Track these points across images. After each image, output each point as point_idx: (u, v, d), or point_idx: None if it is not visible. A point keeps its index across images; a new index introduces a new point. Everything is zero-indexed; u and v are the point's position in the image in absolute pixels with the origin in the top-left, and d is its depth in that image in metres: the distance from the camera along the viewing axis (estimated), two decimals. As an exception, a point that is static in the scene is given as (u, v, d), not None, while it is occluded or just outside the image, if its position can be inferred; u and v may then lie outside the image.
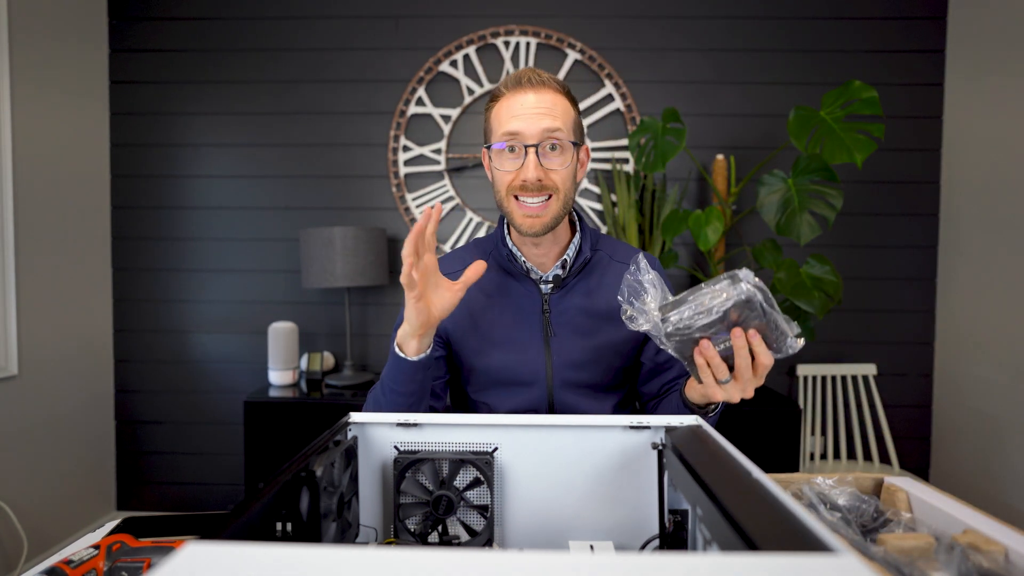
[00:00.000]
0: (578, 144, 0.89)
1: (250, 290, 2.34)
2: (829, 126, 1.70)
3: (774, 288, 1.78)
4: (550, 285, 0.94)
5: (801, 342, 0.65)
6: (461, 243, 2.29)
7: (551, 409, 0.93)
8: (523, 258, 0.93)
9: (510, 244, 0.94)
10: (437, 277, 0.79)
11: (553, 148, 0.86)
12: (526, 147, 0.85)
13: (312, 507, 0.48)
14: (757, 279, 0.63)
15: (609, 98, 2.27)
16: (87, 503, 2.22)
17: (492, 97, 0.91)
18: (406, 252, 0.71)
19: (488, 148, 0.91)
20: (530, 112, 0.85)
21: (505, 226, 0.97)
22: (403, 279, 0.72)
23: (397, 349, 0.81)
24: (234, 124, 2.32)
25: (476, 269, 0.80)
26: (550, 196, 0.87)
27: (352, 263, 1.98)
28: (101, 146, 2.29)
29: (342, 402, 1.93)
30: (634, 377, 1.01)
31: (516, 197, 0.87)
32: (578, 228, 0.96)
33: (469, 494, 0.61)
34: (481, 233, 2.29)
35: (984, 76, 2.06)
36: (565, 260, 0.93)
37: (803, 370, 2.22)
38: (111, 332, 2.35)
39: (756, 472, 0.44)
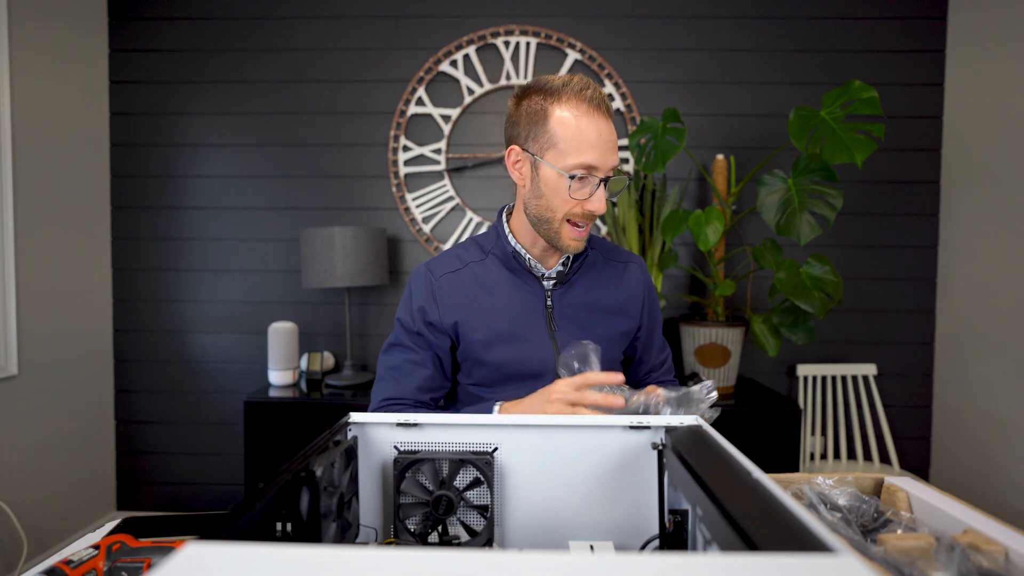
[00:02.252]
0: None
1: (250, 290, 2.34)
2: (829, 126, 1.70)
3: (774, 288, 1.78)
4: (552, 281, 0.98)
5: (710, 396, 0.78)
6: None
7: None
8: (528, 256, 0.97)
9: (514, 243, 0.97)
10: None
11: (607, 180, 0.88)
12: (599, 180, 0.86)
13: (312, 507, 0.48)
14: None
15: (609, 98, 2.27)
16: (87, 503, 2.22)
17: (550, 96, 0.86)
18: (597, 401, 0.76)
19: (534, 156, 0.88)
20: (606, 145, 0.86)
21: (505, 223, 1.00)
22: (571, 404, 0.77)
23: (497, 407, 0.87)
24: (234, 124, 2.32)
25: (612, 378, 0.79)
26: (590, 223, 0.92)
27: (352, 263, 1.98)
28: (101, 146, 2.29)
29: (342, 402, 1.93)
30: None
31: (569, 221, 0.89)
32: None
33: (469, 494, 0.61)
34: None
35: (984, 76, 2.06)
36: (568, 258, 0.98)
37: (803, 370, 2.22)
38: (111, 332, 2.35)
39: (756, 472, 0.44)
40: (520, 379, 0.95)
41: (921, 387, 2.29)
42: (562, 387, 0.79)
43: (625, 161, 2.27)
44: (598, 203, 0.87)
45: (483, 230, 2.28)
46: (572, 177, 0.85)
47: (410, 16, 2.28)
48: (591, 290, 0.99)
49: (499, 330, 0.95)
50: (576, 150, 0.85)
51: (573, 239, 0.90)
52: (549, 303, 0.97)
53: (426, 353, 0.97)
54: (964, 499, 0.68)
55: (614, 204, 2.21)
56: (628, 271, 1.04)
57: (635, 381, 1.10)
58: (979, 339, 2.07)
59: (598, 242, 1.06)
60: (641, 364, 1.09)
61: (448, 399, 1.07)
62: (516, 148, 0.91)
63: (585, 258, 1.00)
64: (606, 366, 0.99)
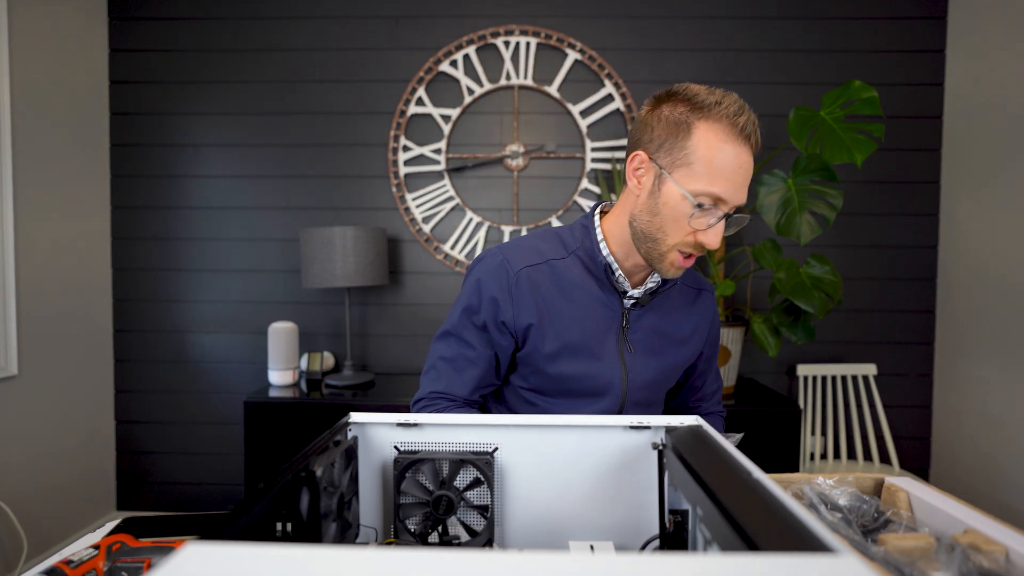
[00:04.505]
0: None
1: (250, 290, 2.34)
2: (829, 126, 1.70)
3: (774, 288, 1.78)
4: (633, 301, 0.90)
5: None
6: (461, 243, 2.29)
7: None
8: (620, 272, 0.89)
9: (606, 252, 0.89)
10: None
11: (728, 216, 0.81)
12: (724, 215, 0.79)
13: (312, 507, 0.48)
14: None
15: (609, 98, 2.27)
16: (87, 503, 2.22)
17: (699, 111, 0.78)
18: None
19: (662, 170, 0.80)
20: (742, 180, 0.79)
21: (598, 227, 0.91)
22: None
23: None
24: (234, 124, 2.32)
25: None
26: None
27: (352, 263, 1.98)
28: (101, 146, 2.29)
29: (342, 402, 1.93)
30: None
31: (679, 249, 0.82)
32: None
33: (469, 494, 0.61)
34: (481, 233, 2.29)
35: (984, 76, 2.06)
36: (657, 282, 0.91)
37: (803, 370, 2.22)
38: (111, 332, 2.35)
39: (756, 472, 0.44)
40: (581, 395, 0.90)
41: (921, 387, 2.29)
42: None
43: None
44: (715, 238, 0.79)
45: (483, 231, 2.29)
46: (699, 205, 0.77)
47: (410, 16, 2.28)
48: (665, 316, 0.93)
49: (571, 342, 0.88)
50: (710, 176, 0.77)
51: (677, 267, 0.83)
52: (625, 323, 0.90)
53: (485, 351, 0.90)
54: (964, 499, 0.68)
55: (611, 193, 2.21)
56: (700, 299, 0.99)
57: (685, 406, 1.06)
58: (979, 339, 2.07)
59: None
60: (692, 391, 1.05)
61: (494, 396, 1.01)
62: (643, 155, 0.82)
63: (673, 284, 0.93)
64: (662, 393, 0.97)
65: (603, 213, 0.93)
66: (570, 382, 0.89)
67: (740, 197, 0.79)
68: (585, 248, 0.90)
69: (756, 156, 0.84)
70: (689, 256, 0.83)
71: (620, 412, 0.91)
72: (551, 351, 0.88)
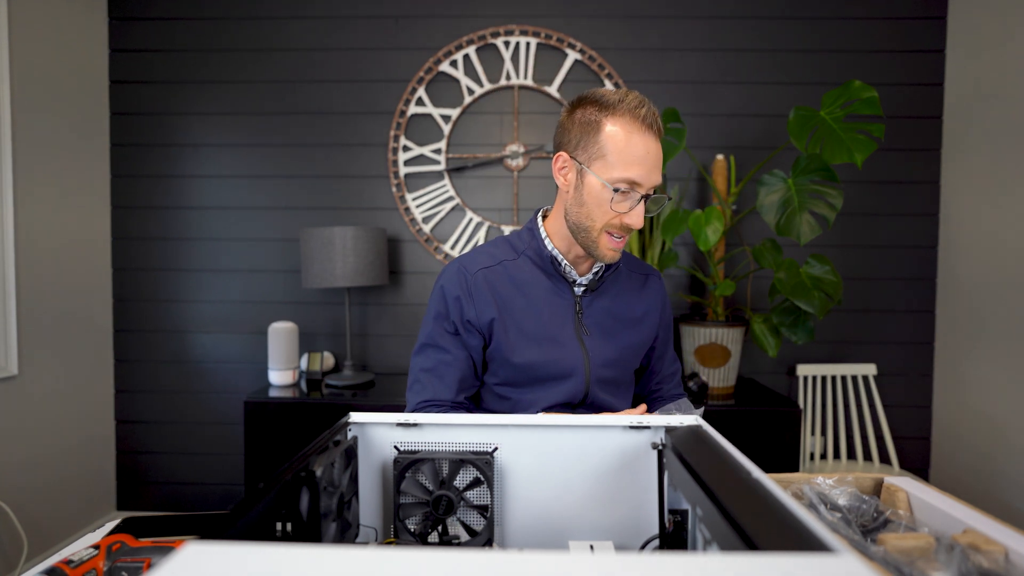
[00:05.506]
0: None
1: (250, 290, 2.34)
2: (829, 126, 1.70)
3: (774, 288, 1.78)
4: (583, 288, 1.00)
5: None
6: (461, 244, 2.29)
7: (584, 401, 0.98)
8: (564, 262, 0.98)
9: (550, 247, 0.98)
10: None
11: (647, 198, 0.91)
12: (641, 196, 0.89)
13: (312, 507, 0.48)
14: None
15: (609, 98, 2.26)
16: (87, 503, 2.22)
17: (605, 109, 0.89)
18: None
19: (581, 165, 0.91)
20: (652, 164, 0.89)
21: (541, 226, 1.01)
22: None
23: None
24: (234, 124, 2.32)
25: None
26: (627, 236, 0.94)
27: (352, 263, 1.98)
28: (101, 145, 2.29)
29: (342, 402, 1.93)
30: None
31: (608, 231, 0.92)
32: None
33: (469, 494, 0.61)
34: (481, 233, 2.29)
35: (983, 76, 2.06)
36: (601, 267, 1.00)
37: (803, 370, 2.22)
38: (111, 332, 2.35)
39: (756, 472, 0.44)
40: (549, 380, 0.96)
41: (921, 387, 2.29)
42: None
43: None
44: (636, 218, 0.89)
45: (483, 231, 2.29)
46: (616, 190, 0.88)
47: (410, 16, 2.28)
48: (616, 300, 1.02)
49: (531, 331, 0.96)
50: (623, 164, 0.87)
51: (610, 249, 0.93)
52: (579, 309, 0.99)
53: (460, 353, 0.97)
54: (964, 499, 0.68)
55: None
56: (648, 283, 1.08)
57: (646, 390, 1.14)
58: (979, 339, 2.07)
59: (622, 254, 1.08)
60: (653, 375, 1.12)
61: (471, 399, 1.06)
62: (564, 155, 0.93)
63: (616, 268, 1.02)
64: (628, 374, 1.04)
65: (544, 216, 1.04)
66: (536, 369, 0.95)
67: (653, 179, 0.89)
68: (533, 247, 1.00)
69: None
70: (620, 238, 0.93)
71: (586, 392, 0.98)
72: (514, 342, 0.95)
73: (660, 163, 0.90)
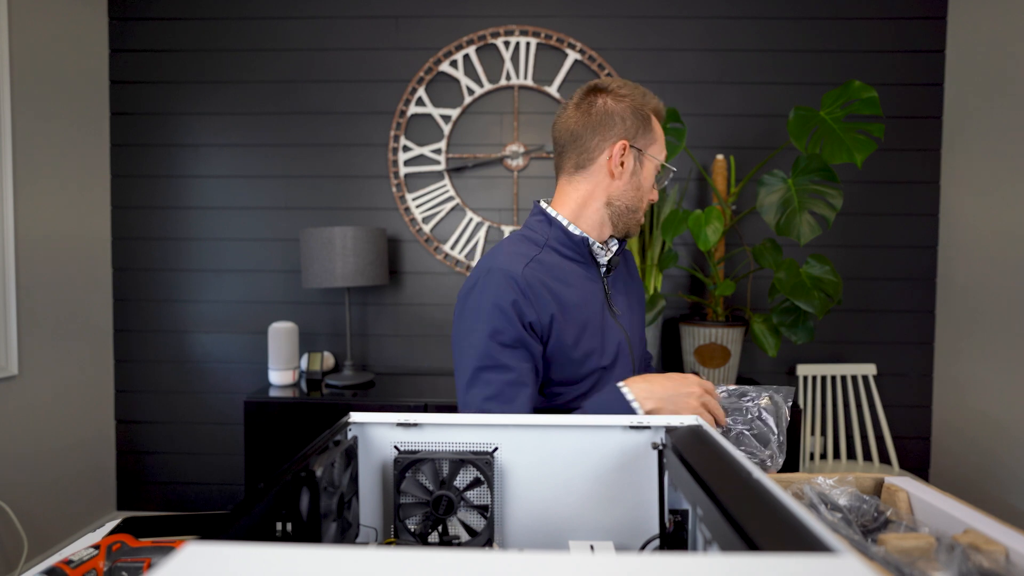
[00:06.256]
0: None
1: (250, 290, 2.34)
2: (829, 126, 1.70)
3: (774, 288, 1.78)
4: (605, 268, 1.01)
5: (771, 464, 0.79)
6: (461, 243, 2.29)
7: None
8: (597, 244, 0.98)
9: (579, 232, 0.96)
10: None
11: None
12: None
13: (312, 507, 0.48)
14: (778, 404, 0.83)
15: (609, 98, 2.26)
16: (87, 503, 2.22)
17: (642, 99, 0.97)
18: (720, 415, 0.83)
19: (642, 152, 0.97)
20: None
21: (559, 215, 0.98)
22: (703, 405, 0.82)
23: (625, 389, 0.84)
24: (234, 124, 2.32)
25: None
26: None
27: (352, 263, 1.98)
28: (101, 146, 2.29)
29: (342, 402, 1.93)
30: None
31: (642, 209, 1.00)
32: None
33: (469, 494, 0.61)
34: (481, 233, 2.29)
35: (984, 76, 2.06)
36: (616, 244, 1.02)
37: (803, 370, 2.22)
38: (111, 332, 2.35)
39: (756, 472, 0.44)
40: (601, 370, 0.93)
41: (921, 387, 2.29)
42: (700, 387, 0.83)
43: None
44: (657, 195, 1.02)
45: (483, 231, 2.29)
46: (667, 170, 1.00)
47: (410, 16, 2.28)
48: (622, 279, 1.07)
49: (583, 321, 0.92)
50: (662, 146, 0.99)
51: (640, 222, 1.02)
52: (608, 289, 1.01)
53: (526, 366, 0.86)
54: (964, 499, 0.69)
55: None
56: (630, 260, 1.13)
57: None
58: (979, 339, 2.07)
59: None
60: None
61: None
62: (625, 143, 0.95)
63: (623, 246, 1.05)
64: (639, 347, 1.06)
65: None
66: (590, 360, 0.92)
67: None
68: (555, 236, 0.96)
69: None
70: None
71: (634, 372, 0.99)
72: (573, 336, 0.90)
73: None
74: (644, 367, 1.08)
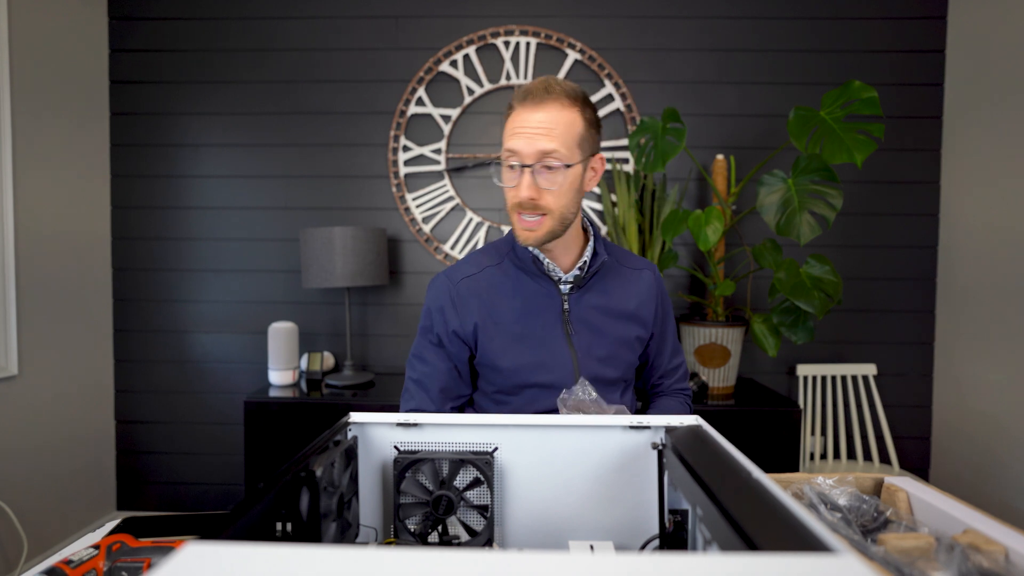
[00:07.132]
0: (585, 159, 0.92)
1: (250, 290, 2.34)
2: (829, 126, 1.70)
3: (774, 288, 1.78)
4: (569, 285, 0.99)
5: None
6: (461, 243, 2.30)
7: None
8: (546, 259, 0.98)
9: (532, 248, 0.98)
10: None
11: (549, 168, 0.88)
12: (523, 167, 0.88)
13: (312, 507, 0.48)
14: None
15: (609, 98, 2.27)
16: (87, 503, 2.22)
17: (508, 105, 0.93)
18: None
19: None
20: (530, 131, 0.87)
21: None
22: None
23: None
24: (234, 124, 2.32)
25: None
26: (544, 215, 0.91)
27: (352, 263, 1.98)
28: (101, 145, 2.29)
29: (342, 402, 1.93)
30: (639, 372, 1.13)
31: (517, 212, 0.92)
32: (591, 234, 1.03)
33: (469, 494, 0.61)
34: (481, 233, 2.29)
35: (983, 76, 2.06)
36: (584, 262, 1.00)
37: (803, 370, 2.22)
38: (111, 332, 2.35)
39: (756, 472, 0.44)
40: (539, 384, 0.96)
41: (921, 387, 2.29)
42: None
43: (625, 161, 2.27)
44: (520, 190, 0.89)
45: (483, 231, 2.29)
46: (498, 163, 0.94)
47: (410, 16, 2.28)
48: (605, 295, 1.01)
49: (516, 334, 0.96)
50: (505, 139, 0.90)
51: (522, 229, 0.92)
52: (566, 306, 0.98)
53: (443, 364, 0.99)
54: (964, 499, 0.69)
55: (613, 204, 2.21)
56: (642, 278, 1.06)
57: (648, 385, 1.14)
58: (978, 339, 2.07)
59: (613, 248, 1.07)
60: (653, 369, 1.12)
61: (470, 404, 1.07)
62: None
63: (602, 263, 1.00)
64: (622, 369, 1.02)
65: None
66: (524, 372, 0.95)
67: (533, 146, 0.86)
68: (515, 250, 1.00)
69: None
70: (531, 218, 0.91)
71: None
72: (499, 347, 0.96)
73: (549, 130, 0.86)
74: (619, 393, 1.02)
